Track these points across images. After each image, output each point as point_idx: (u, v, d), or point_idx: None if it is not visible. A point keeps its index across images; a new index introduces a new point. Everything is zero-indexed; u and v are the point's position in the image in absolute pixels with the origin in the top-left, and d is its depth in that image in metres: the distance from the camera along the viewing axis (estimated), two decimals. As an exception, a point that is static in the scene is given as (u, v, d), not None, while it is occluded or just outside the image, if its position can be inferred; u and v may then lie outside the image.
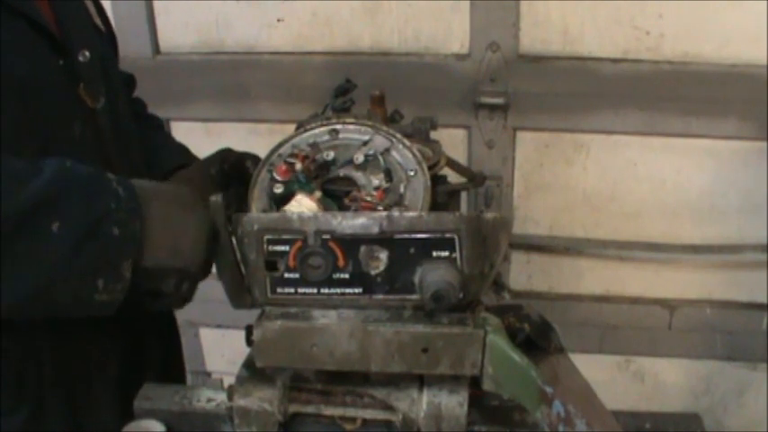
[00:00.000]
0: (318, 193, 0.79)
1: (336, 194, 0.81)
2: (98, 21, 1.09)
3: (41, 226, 0.74)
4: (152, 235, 0.80)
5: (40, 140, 0.90)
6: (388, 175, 0.82)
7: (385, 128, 0.87)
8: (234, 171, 1.02)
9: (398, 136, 0.85)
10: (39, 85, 0.90)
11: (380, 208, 0.77)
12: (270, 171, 0.83)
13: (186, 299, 0.86)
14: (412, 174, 0.82)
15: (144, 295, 0.83)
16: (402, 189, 0.81)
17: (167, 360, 1.21)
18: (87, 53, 0.97)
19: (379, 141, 0.86)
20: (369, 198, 0.78)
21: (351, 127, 0.88)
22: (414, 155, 0.83)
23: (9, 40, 0.86)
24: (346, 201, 0.80)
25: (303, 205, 0.76)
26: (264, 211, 0.80)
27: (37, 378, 0.96)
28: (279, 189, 0.80)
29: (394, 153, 0.84)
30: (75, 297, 0.78)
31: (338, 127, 0.87)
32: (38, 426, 0.97)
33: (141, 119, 1.25)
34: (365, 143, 0.86)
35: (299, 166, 0.80)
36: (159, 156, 1.18)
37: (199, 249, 0.82)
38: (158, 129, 1.32)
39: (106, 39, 1.12)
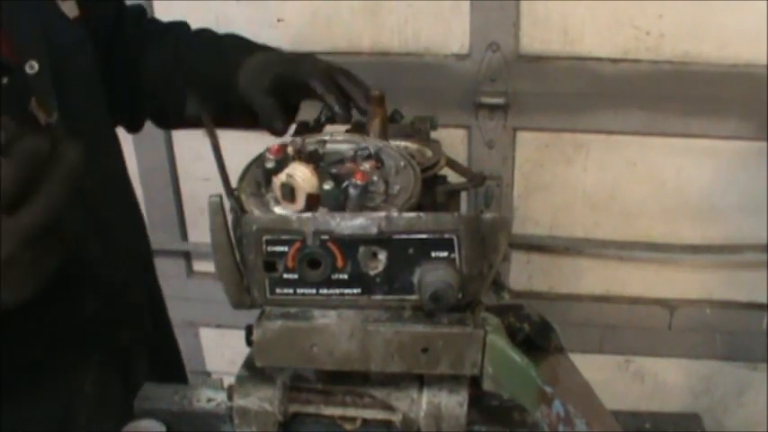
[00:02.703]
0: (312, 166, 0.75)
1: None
2: (65, 5, 0.99)
3: None
4: None
5: None
6: (379, 160, 0.80)
7: (372, 139, 0.86)
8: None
9: (387, 143, 0.85)
10: None
11: (375, 178, 0.75)
12: (259, 168, 0.80)
13: None
14: (402, 165, 0.81)
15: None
16: (393, 174, 0.79)
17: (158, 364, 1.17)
18: (35, 64, 0.89)
19: (370, 143, 0.85)
20: (362, 169, 0.75)
21: (339, 137, 0.87)
22: (402, 155, 0.82)
23: None
24: (340, 170, 0.76)
25: (297, 171, 0.72)
26: (254, 194, 0.78)
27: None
28: (270, 164, 0.76)
29: (383, 156, 0.83)
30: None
31: (326, 138, 0.86)
32: None
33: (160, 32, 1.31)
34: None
35: (290, 150, 0.78)
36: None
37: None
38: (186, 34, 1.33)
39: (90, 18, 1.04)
